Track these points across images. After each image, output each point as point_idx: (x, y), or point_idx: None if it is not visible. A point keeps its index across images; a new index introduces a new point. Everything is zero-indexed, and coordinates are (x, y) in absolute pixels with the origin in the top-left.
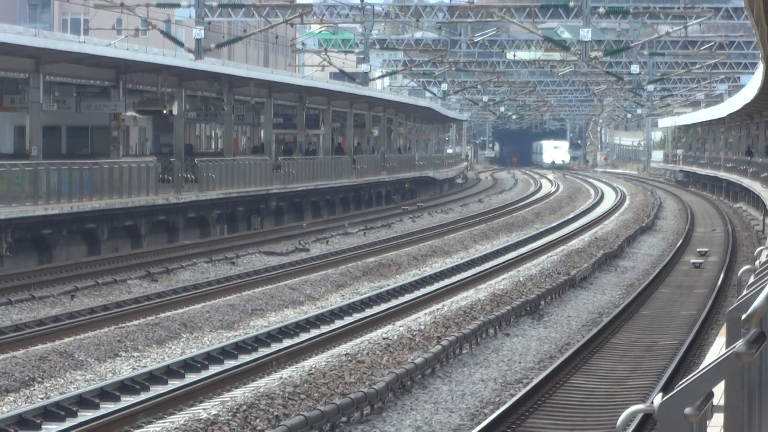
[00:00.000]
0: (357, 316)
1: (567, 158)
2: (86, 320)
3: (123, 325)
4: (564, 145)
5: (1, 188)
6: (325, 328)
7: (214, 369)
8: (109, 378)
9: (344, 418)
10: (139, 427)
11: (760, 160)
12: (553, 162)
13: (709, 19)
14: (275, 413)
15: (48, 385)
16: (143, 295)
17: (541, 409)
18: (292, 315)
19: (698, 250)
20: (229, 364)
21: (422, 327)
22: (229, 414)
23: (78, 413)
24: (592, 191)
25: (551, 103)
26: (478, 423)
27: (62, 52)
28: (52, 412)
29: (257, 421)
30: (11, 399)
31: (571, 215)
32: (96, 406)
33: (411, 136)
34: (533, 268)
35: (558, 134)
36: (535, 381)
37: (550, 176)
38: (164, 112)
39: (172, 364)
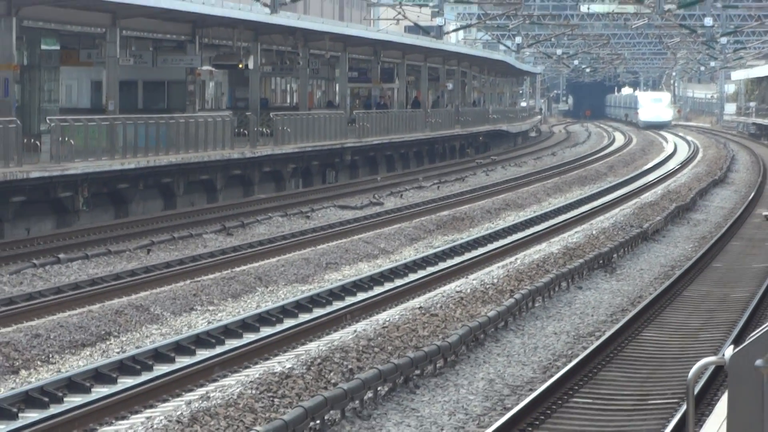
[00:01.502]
0: (430, 269)
1: (669, 115)
2: (162, 274)
3: (198, 279)
4: (666, 97)
5: (78, 143)
6: (398, 282)
7: (288, 322)
8: (185, 332)
9: (418, 371)
10: (215, 380)
11: None
12: (656, 119)
13: None
14: (349, 366)
15: (124, 339)
16: (218, 249)
17: (613, 362)
18: (366, 268)
19: None
20: (304, 317)
21: (495, 280)
22: (304, 367)
23: (153, 367)
24: (665, 144)
25: (625, 56)
26: (551, 376)
27: (139, 6)
28: (128, 366)
29: (331, 374)
30: (87, 353)
31: (644, 168)
32: (172, 360)
33: (485, 89)
34: (606, 221)
35: (631, 87)
36: (608, 334)
37: (626, 128)
38: (240, 66)
39: (247, 318)
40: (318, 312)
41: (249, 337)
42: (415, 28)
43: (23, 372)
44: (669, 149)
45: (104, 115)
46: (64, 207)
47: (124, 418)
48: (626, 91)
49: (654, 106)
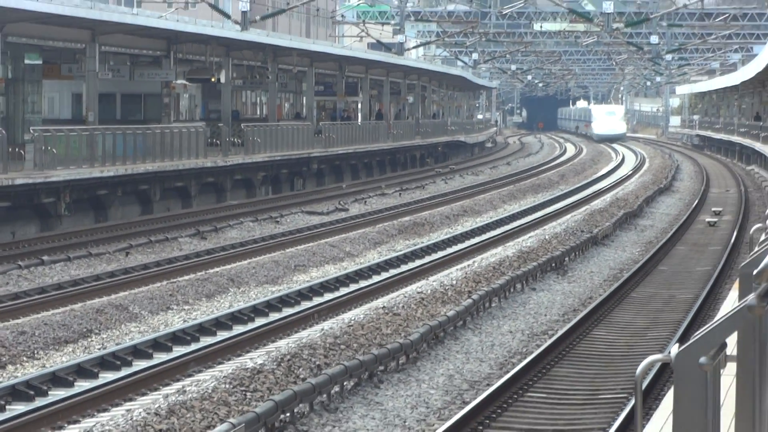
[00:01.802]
0: (393, 271)
1: (623, 127)
2: (140, 275)
3: (174, 280)
4: (619, 110)
5: (60, 152)
6: (363, 283)
7: (259, 321)
8: (162, 330)
9: (381, 367)
10: (190, 375)
11: None
12: (611, 132)
13: None
14: (317, 362)
15: (104, 336)
16: (193, 252)
17: (565, 359)
18: (332, 271)
19: (713, 209)
20: (274, 316)
21: (454, 282)
22: (274, 363)
23: (132, 363)
24: (613, 155)
25: (575, 72)
26: (507, 372)
27: (117, 23)
28: (109, 362)
29: (300, 369)
30: (70, 349)
31: (594, 177)
32: (149, 356)
33: (443, 102)
34: (558, 226)
35: (585, 100)
36: (560, 332)
37: (576, 140)
38: (212, 80)
39: (220, 317)
40: (287, 311)
41: (222, 334)
42: (378, 45)
43: (10, 367)
44: (617, 159)
45: (84, 126)
46: (47, 212)
47: (105, 410)
48: (581, 104)
49: (608, 119)
